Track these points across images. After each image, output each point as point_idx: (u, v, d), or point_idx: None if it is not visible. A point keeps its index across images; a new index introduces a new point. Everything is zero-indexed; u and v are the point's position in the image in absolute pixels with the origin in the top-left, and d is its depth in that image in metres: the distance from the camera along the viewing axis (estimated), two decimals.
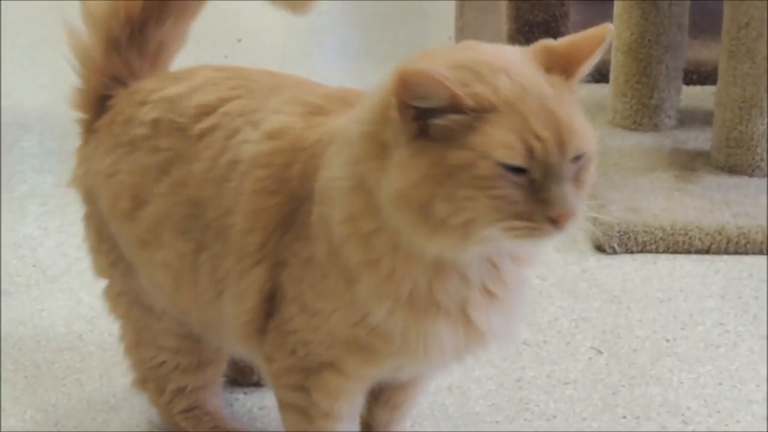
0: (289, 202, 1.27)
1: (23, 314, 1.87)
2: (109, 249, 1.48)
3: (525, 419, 1.61)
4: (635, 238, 2.08)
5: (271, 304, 1.30)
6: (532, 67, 1.12)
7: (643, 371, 1.72)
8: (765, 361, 1.74)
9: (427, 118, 1.07)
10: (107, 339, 1.77)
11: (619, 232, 2.07)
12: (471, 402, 1.64)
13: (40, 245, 2.11)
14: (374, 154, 1.12)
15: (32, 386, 1.68)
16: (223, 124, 1.34)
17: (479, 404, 1.64)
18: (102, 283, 1.53)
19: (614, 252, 2.08)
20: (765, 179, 2.27)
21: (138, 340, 1.52)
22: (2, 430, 1.59)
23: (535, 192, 1.08)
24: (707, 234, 2.08)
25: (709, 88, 2.63)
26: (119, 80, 1.47)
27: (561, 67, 1.13)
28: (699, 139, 2.47)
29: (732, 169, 2.30)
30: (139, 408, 1.61)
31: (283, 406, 1.37)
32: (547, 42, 1.16)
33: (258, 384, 1.66)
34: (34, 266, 2.04)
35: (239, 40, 3.40)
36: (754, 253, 2.07)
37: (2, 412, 1.62)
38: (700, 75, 2.76)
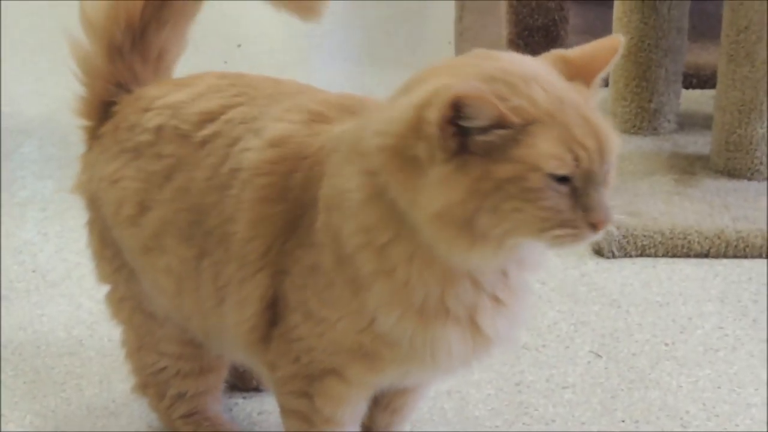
0: (292, 210, 1.27)
1: (23, 319, 1.88)
2: (112, 255, 1.48)
3: (524, 423, 1.61)
4: (634, 242, 2.08)
5: (273, 311, 1.30)
6: (557, 76, 1.13)
7: (642, 375, 1.72)
8: (764, 365, 1.74)
9: (467, 134, 1.07)
10: (107, 344, 1.78)
11: (618, 236, 2.07)
12: (470, 406, 1.65)
13: (40, 250, 2.12)
14: (399, 167, 1.12)
15: (32, 391, 1.68)
16: (224, 131, 1.34)
17: (478, 408, 1.64)
18: (103, 289, 1.53)
19: (613, 256, 2.08)
20: (764, 183, 2.27)
21: (139, 345, 1.52)
22: None
23: (577, 199, 1.09)
24: (706, 238, 2.08)
25: (708, 92, 2.64)
26: (123, 86, 1.47)
27: (579, 76, 1.15)
28: (698, 143, 2.47)
29: (731, 173, 2.30)
30: (139, 413, 1.61)
31: (286, 412, 1.37)
32: (561, 52, 1.17)
33: (257, 389, 1.66)
34: (34, 271, 2.04)
35: (239, 45, 3.41)
36: (753, 257, 2.07)
37: (2, 417, 1.62)
38: (699, 78, 2.77)
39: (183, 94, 1.41)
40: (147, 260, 1.41)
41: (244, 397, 1.66)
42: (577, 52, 1.17)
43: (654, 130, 2.53)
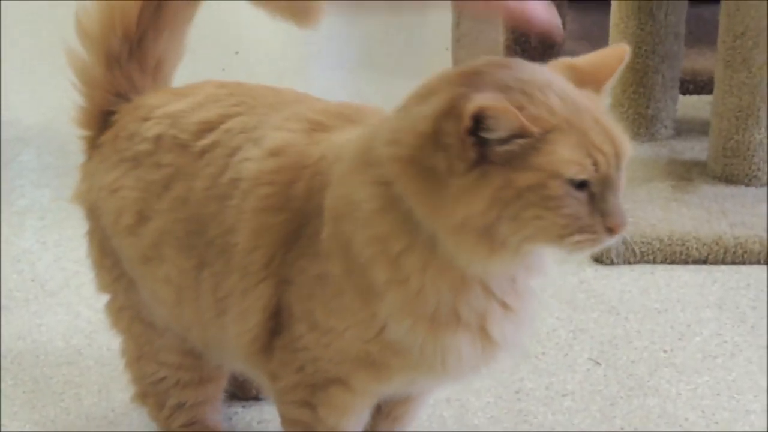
0: (294, 219, 1.26)
1: (22, 329, 1.88)
2: (112, 264, 1.48)
3: (523, 431, 1.61)
4: (633, 249, 2.08)
5: (275, 321, 1.30)
6: (569, 84, 1.14)
7: (641, 382, 1.72)
8: (763, 372, 1.74)
9: (486, 144, 1.07)
10: (106, 354, 1.78)
11: (616, 242, 2.07)
12: (470, 414, 1.65)
13: (39, 259, 2.12)
14: (415, 177, 1.11)
15: (31, 401, 1.68)
16: (224, 141, 1.34)
17: (478, 416, 1.64)
18: (101, 298, 1.53)
19: (612, 263, 2.08)
20: (761, 189, 2.27)
21: (139, 355, 1.52)
22: None
23: (594, 204, 1.10)
24: (704, 244, 2.08)
25: (705, 98, 2.64)
26: (122, 96, 1.47)
27: (587, 83, 1.16)
28: (696, 149, 2.48)
29: (729, 179, 2.31)
30: (137, 422, 1.61)
31: (287, 422, 1.37)
32: (569, 60, 1.18)
33: (257, 398, 1.66)
34: (32, 281, 2.04)
35: (236, 53, 3.40)
36: (751, 263, 2.07)
37: (1, 427, 1.62)
38: (696, 84, 2.77)
39: (182, 103, 1.40)
40: (146, 270, 1.41)
41: (243, 406, 1.66)
42: (584, 60, 1.19)
43: (651, 136, 2.53)
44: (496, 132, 1.06)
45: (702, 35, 2.84)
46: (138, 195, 1.40)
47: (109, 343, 1.70)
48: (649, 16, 2.46)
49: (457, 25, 3.26)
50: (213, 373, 1.51)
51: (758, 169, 2.28)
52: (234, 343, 1.34)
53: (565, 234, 1.10)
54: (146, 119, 1.42)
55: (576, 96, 1.12)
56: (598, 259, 2.08)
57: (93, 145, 1.48)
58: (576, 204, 1.09)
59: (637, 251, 2.07)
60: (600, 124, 1.11)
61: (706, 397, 1.68)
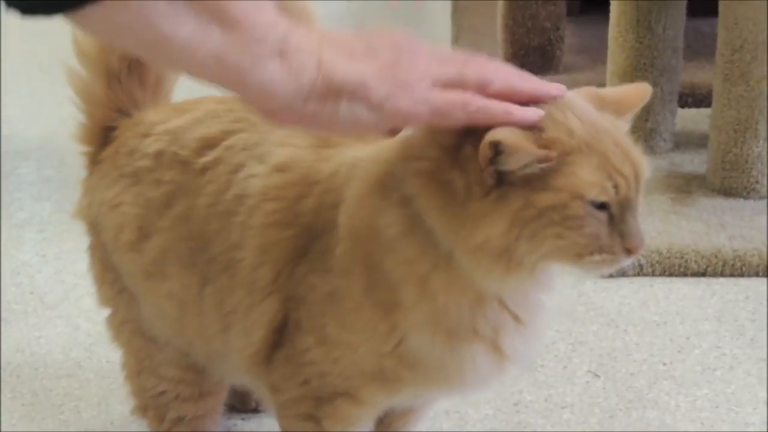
0: (301, 235, 1.26)
1: (21, 341, 1.88)
2: (113, 279, 1.48)
3: None
4: (632, 262, 2.07)
5: (278, 334, 1.30)
6: (588, 105, 1.14)
7: (640, 395, 1.72)
8: (762, 384, 1.74)
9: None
10: (105, 366, 1.78)
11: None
12: (468, 426, 1.65)
13: (38, 272, 2.12)
14: (435, 193, 1.12)
15: (30, 414, 1.68)
16: (226, 158, 1.34)
17: (477, 429, 1.64)
18: (101, 311, 1.53)
19: (611, 275, 2.07)
20: (760, 201, 2.28)
21: (139, 369, 1.52)
22: None
23: (614, 225, 1.10)
24: (703, 257, 2.08)
25: (704, 111, 2.64)
26: (123, 111, 1.47)
27: (609, 111, 1.16)
28: (695, 162, 2.48)
29: (727, 192, 2.31)
30: None
31: None
32: (594, 89, 1.19)
33: (256, 410, 1.66)
34: (31, 293, 2.04)
35: None
36: (750, 276, 2.07)
37: None
38: (695, 98, 2.77)
39: (182, 119, 1.40)
40: (148, 285, 1.41)
41: (242, 419, 1.66)
42: (609, 90, 1.19)
43: (650, 150, 2.53)
44: (512, 166, 1.07)
45: (700, 49, 2.85)
46: (138, 211, 1.40)
47: (109, 355, 1.70)
48: (648, 30, 2.47)
49: (456, 38, 3.27)
50: (213, 387, 1.51)
51: (757, 182, 2.29)
52: (236, 357, 1.34)
53: (584, 253, 1.10)
54: (146, 135, 1.42)
55: (596, 118, 1.12)
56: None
57: (94, 160, 1.48)
58: (596, 224, 1.09)
59: (636, 264, 2.08)
60: (620, 146, 1.11)
61: (705, 410, 1.68)
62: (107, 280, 1.49)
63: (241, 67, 0.98)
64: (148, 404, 1.53)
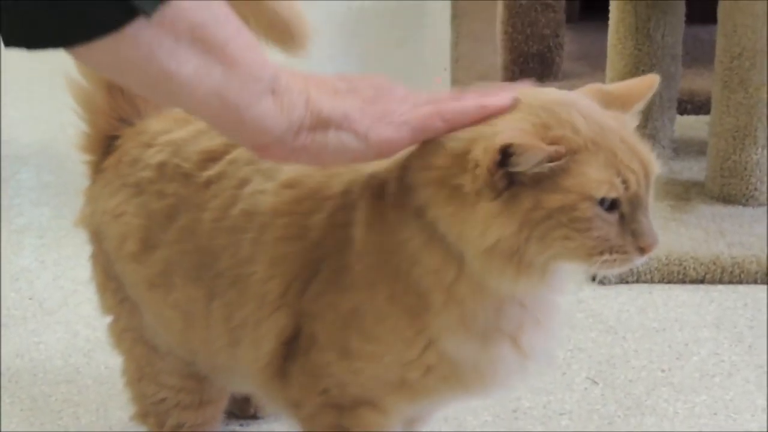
0: (310, 249, 1.26)
1: (20, 347, 1.88)
2: (116, 288, 1.48)
3: None
4: (630, 269, 2.07)
5: (288, 347, 1.29)
6: (593, 103, 1.15)
7: (639, 401, 1.72)
8: (761, 391, 1.74)
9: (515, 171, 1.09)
10: (104, 372, 1.78)
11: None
12: None
13: (37, 278, 2.12)
14: (446, 199, 1.12)
15: (29, 419, 1.68)
16: (230, 172, 1.34)
17: None
18: (100, 317, 1.53)
19: (610, 282, 2.08)
20: (759, 209, 2.28)
21: (140, 376, 1.52)
22: None
23: (625, 224, 1.11)
24: (702, 264, 2.08)
25: (703, 118, 2.64)
26: (125, 120, 1.47)
27: (616, 106, 1.16)
28: (693, 169, 2.48)
29: (726, 199, 2.31)
30: None
31: None
32: (599, 85, 1.19)
33: (255, 417, 1.66)
34: (30, 299, 2.04)
35: None
36: (748, 283, 2.07)
37: None
38: (693, 105, 2.77)
39: (183, 131, 1.40)
40: (151, 296, 1.41)
41: (241, 425, 1.66)
42: (615, 86, 1.20)
43: None
44: (524, 165, 1.07)
45: (699, 56, 2.85)
46: (141, 222, 1.40)
47: (107, 361, 1.70)
48: (647, 37, 2.47)
49: (455, 45, 3.27)
50: (214, 395, 1.51)
51: (756, 189, 2.29)
52: (247, 370, 1.34)
53: (593, 254, 1.10)
54: (149, 145, 1.42)
55: (600, 116, 1.13)
56: (596, 279, 2.08)
57: (97, 169, 1.48)
58: (605, 226, 1.09)
59: (635, 271, 2.08)
60: (626, 142, 1.11)
61: (704, 417, 1.68)
62: (109, 288, 1.49)
63: (240, 103, 1.03)
64: (149, 411, 1.53)
